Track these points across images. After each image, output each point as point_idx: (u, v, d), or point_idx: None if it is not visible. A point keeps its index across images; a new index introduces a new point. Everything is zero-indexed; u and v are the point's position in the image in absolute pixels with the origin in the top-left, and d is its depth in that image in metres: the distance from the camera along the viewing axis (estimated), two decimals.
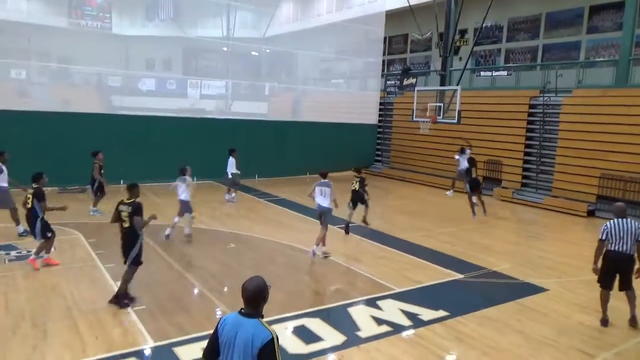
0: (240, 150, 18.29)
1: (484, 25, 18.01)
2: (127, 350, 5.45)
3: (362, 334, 6.12)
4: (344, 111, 22.20)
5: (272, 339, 2.92)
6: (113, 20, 17.93)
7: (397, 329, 6.31)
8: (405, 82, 21.80)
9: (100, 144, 15.21)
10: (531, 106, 17.33)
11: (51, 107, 15.25)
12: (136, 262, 6.58)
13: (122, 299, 6.57)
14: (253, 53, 21.36)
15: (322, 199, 9.28)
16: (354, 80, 24.64)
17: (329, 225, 9.46)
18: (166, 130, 16.75)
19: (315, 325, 6.25)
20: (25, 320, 6.09)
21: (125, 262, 6.62)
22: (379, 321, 6.51)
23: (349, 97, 23.64)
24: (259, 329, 2.95)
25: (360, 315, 6.69)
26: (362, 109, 22.63)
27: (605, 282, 6.68)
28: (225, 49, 20.05)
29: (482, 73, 21.47)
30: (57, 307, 6.53)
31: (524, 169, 17.38)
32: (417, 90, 17.43)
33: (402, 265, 9.06)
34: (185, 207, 9.99)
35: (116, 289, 6.83)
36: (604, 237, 6.59)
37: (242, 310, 3.06)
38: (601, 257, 6.70)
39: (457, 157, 16.16)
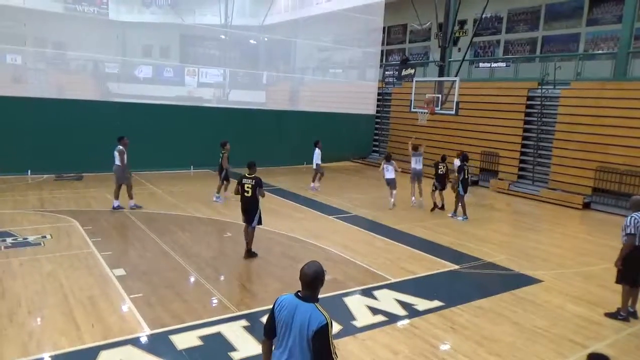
0: (236, 139, 18.22)
1: (483, 16, 17.94)
2: (124, 337, 5.47)
3: (358, 323, 6.16)
4: (342, 101, 22.13)
5: (327, 323, 3.05)
6: (110, 6, 17.70)
7: (392, 318, 6.35)
8: (404, 73, 21.79)
9: (96, 131, 15.19)
10: (529, 98, 17.32)
11: (47, 94, 15.14)
12: (259, 222, 8.49)
13: (251, 253, 8.50)
14: (251, 41, 21.21)
15: (416, 164, 13.43)
16: (352, 70, 24.50)
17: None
18: (163, 119, 16.66)
19: None
20: (21, 307, 6.09)
21: (244, 221, 8.53)
22: (375, 311, 6.55)
23: (347, 87, 23.53)
24: (315, 313, 3.08)
25: (356, 304, 6.73)
26: (360, 99, 22.57)
27: (635, 279, 6.51)
28: (223, 37, 19.89)
29: (481, 64, 21.41)
30: (54, 294, 6.54)
31: (521, 161, 17.41)
32: (416, 81, 17.41)
33: (398, 256, 9.10)
34: (393, 184, 13.02)
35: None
36: (633, 231, 6.34)
37: (300, 294, 3.20)
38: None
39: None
